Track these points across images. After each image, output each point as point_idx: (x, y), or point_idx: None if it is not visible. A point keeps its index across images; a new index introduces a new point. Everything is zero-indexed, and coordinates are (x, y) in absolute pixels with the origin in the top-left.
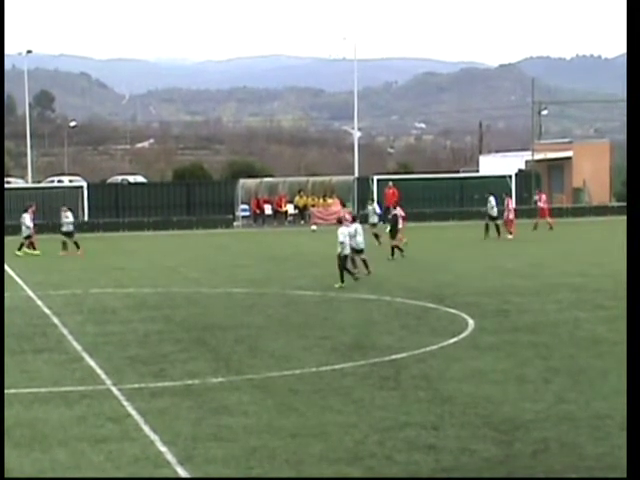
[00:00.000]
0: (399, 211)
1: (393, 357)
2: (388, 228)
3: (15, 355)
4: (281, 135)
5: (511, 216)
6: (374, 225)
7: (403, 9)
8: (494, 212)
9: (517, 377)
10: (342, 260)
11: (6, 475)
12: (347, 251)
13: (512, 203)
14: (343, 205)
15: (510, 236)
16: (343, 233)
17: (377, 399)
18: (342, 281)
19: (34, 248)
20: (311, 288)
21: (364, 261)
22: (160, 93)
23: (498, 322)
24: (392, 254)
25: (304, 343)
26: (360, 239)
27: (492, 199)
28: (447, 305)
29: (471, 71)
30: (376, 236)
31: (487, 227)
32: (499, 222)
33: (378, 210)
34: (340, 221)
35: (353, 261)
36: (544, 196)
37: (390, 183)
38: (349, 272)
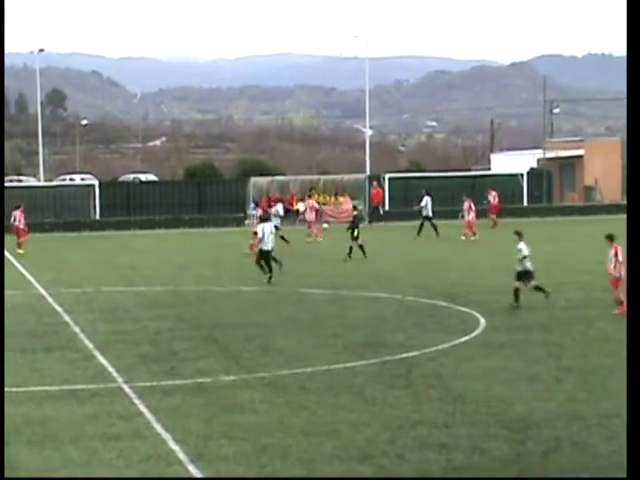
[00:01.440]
0: (357, 212)
1: (404, 355)
2: (349, 227)
3: (26, 353)
4: (292, 133)
5: (471, 217)
6: (277, 228)
7: (414, 7)
8: (427, 212)
9: (528, 376)
10: (262, 255)
11: (19, 474)
12: (269, 247)
13: (473, 204)
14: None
15: (464, 237)
16: (262, 230)
17: (388, 397)
18: (269, 272)
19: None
20: (322, 286)
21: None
22: (172, 91)
23: (509, 320)
24: (363, 252)
25: (315, 341)
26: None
27: (426, 198)
28: (458, 303)
29: (482, 69)
30: (282, 238)
31: (421, 226)
32: (434, 222)
33: (281, 212)
34: (265, 219)
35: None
36: (494, 192)
37: (374, 183)
38: (264, 269)
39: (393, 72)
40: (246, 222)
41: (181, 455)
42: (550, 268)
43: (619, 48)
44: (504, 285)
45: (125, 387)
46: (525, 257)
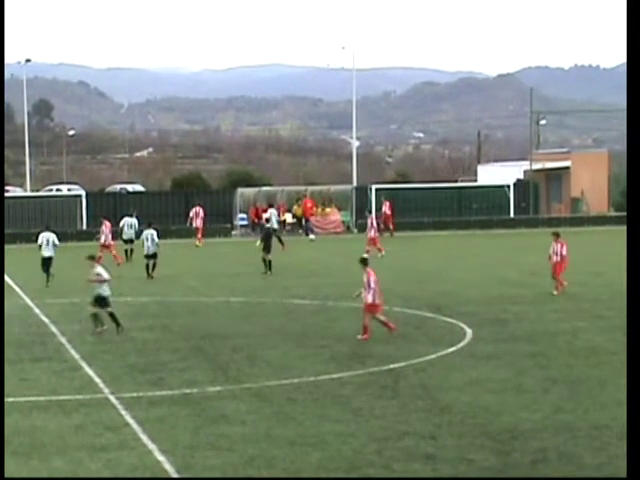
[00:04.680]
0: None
1: (391, 366)
2: (259, 242)
3: (14, 364)
4: (279, 144)
5: (373, 234)
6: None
7: (402, 18)
8: (272, 224)
9: (515, 387)
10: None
11: None
12: (45, 254)
13: (374, 221)
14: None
15: (379, 255)
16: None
17: (375, 408)
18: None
19: None
20: (309, 297)
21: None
22: (159, 102)
23: (496, 331)
24: (269, 268)
25: (302, 352)
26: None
27: (270, 211)
28: (445, 314)
29: (469, 81)
30: (114, 257)
31: (279, 239)
32: (279, 234)
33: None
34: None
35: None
36: (388, 203)
37: (307, 195)
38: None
39: (380, 83)
40: (233, 233)
41: (167, 466)
42: (537, 279)
43: (606, 60)
44: (490, 296)
45: (112, 398)
46: (105, 281)
